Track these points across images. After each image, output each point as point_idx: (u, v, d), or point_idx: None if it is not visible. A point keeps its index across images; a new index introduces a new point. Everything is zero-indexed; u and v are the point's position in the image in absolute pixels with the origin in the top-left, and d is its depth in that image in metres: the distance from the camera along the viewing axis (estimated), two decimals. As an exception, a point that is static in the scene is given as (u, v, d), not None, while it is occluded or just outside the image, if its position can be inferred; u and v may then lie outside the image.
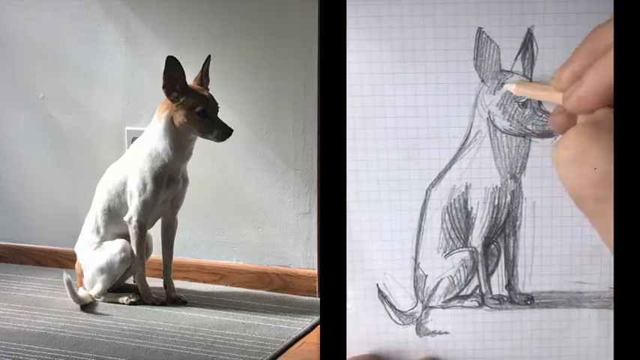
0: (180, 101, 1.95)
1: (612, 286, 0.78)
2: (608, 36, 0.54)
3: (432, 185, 0.77)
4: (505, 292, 0.80)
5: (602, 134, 0.52)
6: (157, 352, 1.72)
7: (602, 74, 0.53)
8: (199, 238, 2.29)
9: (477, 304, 0.79)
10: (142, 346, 1.76)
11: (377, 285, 0.79)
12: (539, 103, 0.75)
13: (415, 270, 0.78)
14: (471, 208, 0.77)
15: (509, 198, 0.77)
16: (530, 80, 0.74)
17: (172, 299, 2.07)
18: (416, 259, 0.78)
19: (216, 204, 2.27)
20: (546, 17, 0.73)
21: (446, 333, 0.80)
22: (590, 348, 0.80)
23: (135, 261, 2.04)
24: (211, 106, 1.97)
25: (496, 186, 0.77)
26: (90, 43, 2.31)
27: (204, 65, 2.01)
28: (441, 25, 0.73)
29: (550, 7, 0.73)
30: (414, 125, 0.75)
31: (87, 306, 2.02)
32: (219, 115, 1.98)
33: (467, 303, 0.78)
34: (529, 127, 0.76)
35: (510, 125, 0.76)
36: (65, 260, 2.35)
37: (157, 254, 2.15)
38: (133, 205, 2.00)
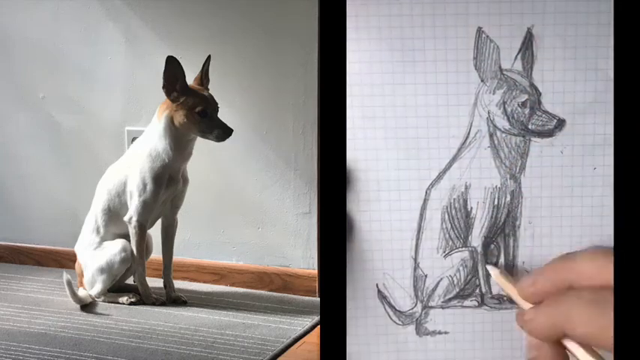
0: (180, 101, 1.95)
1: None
2: (567, 275, 0.59)
3: (432, 185, 0.77)
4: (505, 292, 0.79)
5: None
6: (157, 352, 1.72)
7: (551, 319, 0.58)
8: (199, 238, 2.29)
9: (476, 304, 0.79)
10: (142, 346, 1.76)
11: (376, 285, 0.78)
12: (539, 102, 0.75)
13: (415, 270, 0.78)
14: (471, 208, 0.77)
15: (508, 198, 0.77)
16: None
17: (172, 299, 2.07)
18: (415, 259, 0.78)
19: (216, 204, 2.27)
20: (546, 17, 0.73)
21: (445, 333, 0.80)
22: (590, 348, 0.80)
23: (135, 261, 2.04)
24: (211, 106, 1.97)
25: (496, 186, 0.77)
26: (90, 43, 2.32)
27: (204, 65, 2.01)
28: (441, 25, 0.73)
29: (550, 6, 0.73)
30: (414, 125, 0.75)
31: (87, 306, 2.02)
32: (219, 115, 1.98)
33: (466, 303, 0.78)
34: (529, 126, 0.76)
35: (510, 125, 0.76)
36: (65, 260, 2.35)
37: (157, 254, 2.15)
38: (133, 205, 2.00)
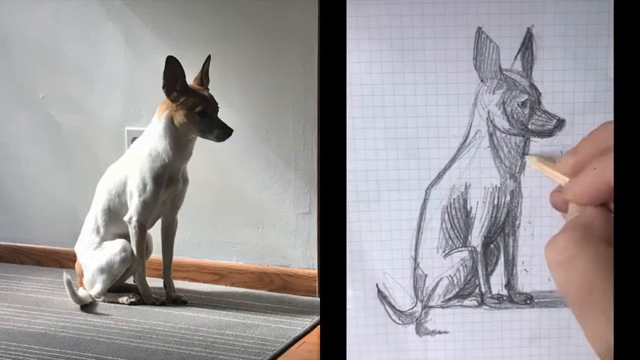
0: (180, 101, 1.95)
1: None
2: (609, 137, 0.56)
3: (432, 185, 0.77)
4: (505, 292, 0.80)
5: (591, 244, 0.54)
6: (157, 352, 1.72)
7: (599, 174, 0.55)
8: (199, 238, 2.29)
9: (476, 304, 0.79)
10: (142, 346, 1.76)
11: (376, 285, 0.78)
12: (539, 102, 0.75)
13: (415, 270, 0.78)
14: (471, 207, 0.77)
15: (508, 197, 0.77)
16: (531, 79, 0.74)
17: (172, 299, 2.07)
18: (415, 259, 0.78)
19: (216, 204, 2.27)
20: (546, 17, 0.73)
21: (445, 332, 0.80)
22: (590, 348, 0.80)
23: (135, 261, 2.04)
24: (211, 106, 1.97)
25: (495, 186, 0.77)
26: (90, 43, 2.32)
27: (204, 65, 2.01)
28: (441, 25, 0.73)
29: (550, 6, 0.73)
30: (414, 125, 0.75)
31: (87, 306, 2.02)
32: (219, 115, 1.98)
33: (466, 302, 0.78)
34: (529, 126, 0.76)
35: (510, 125, 0.76)
36: (65, 260, 2.35)
37: (157, 254, 2.15)
38: (133, 205, 2.00)
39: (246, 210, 2.24)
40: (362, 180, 0.76)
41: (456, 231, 0.77)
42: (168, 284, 2.09)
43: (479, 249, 0.78)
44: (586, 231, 0.55)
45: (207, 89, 2.01)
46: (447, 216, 0.77)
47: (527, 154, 0.75)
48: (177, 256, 2.15)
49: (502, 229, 0.78)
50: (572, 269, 0.54)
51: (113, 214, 2.05)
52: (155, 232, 2.13)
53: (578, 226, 0.55)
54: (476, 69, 0.74)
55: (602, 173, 0.55)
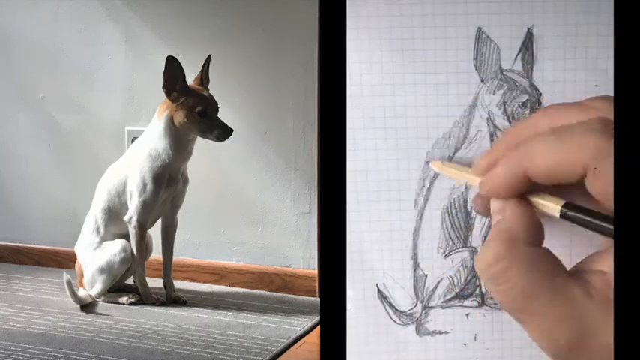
0: (180, 101, 1.95)
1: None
2: (521, 134, 0.60)
3: (432, 185, 0.77)
4: (505, 292, 0.79)
5: (517, 251, 0.55)
6: (157, 352, 1.72)
7: (510, 166, 0.57)
8: (199, 238, 2.29)
9: (477, 304, 0.79)
10: (142, 346, 1.76)
11: (377, 285, 0.78)
12: (539, 103, 0.75)
13: (415, 270, 0.78)
14: (471, 207, 0.77)
15: (509, 198, 0.77)
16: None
17: (172, 299, 2.07)
18: (416, 259, 0.78)
19: (216, 204, 2.27)
20: (546, 17, 0.73)
21: (446, 333, 0.80)
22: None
23: (135, 261, 2.04)
24: (211, 106, 1.97)
25: (496, 186, 0.77)
26: (90, 43, 2.32)
27: (204, 65, 2.01)
28: (441, 25, 0.73)
29: (550, 7, 0.73)
30: (414, 125, 0.75)
31: (87, 306, 2.03)
32: (219, 115, 1.98)
33: (467, 303, 0.78)
34: (529, 126, 0.76)
35: (510, 125, 0.76)
36: (65, 260, 2.35)
37: (157, 254, 2.15)
38: (133, 205, 2.00)
39: (246, 210, 2.24)
40: (362, 180, 0.76)
41: (456, 231, 0.77)
42: (168, 284, 2.09)
43: (479, 249, 0.78)
44: (510, 239, 0.56)
45: (207, 89, 2.01)
46: (447, 216, 0.77)
47: (429, 162, 0.75)
48: (177, 256, 2.15)
49: (502, 230, 0.78)
50: (505, 280, 0.54)
51: (113, 214, 2.05)
52: (155, 232, 2.13)
53: (501, 236, 0.57)
54: (476, 69, 0.74)
55: (516, 163, 0.57)
